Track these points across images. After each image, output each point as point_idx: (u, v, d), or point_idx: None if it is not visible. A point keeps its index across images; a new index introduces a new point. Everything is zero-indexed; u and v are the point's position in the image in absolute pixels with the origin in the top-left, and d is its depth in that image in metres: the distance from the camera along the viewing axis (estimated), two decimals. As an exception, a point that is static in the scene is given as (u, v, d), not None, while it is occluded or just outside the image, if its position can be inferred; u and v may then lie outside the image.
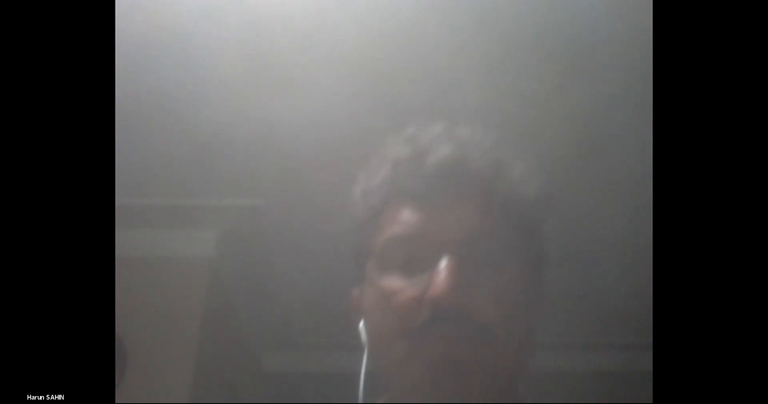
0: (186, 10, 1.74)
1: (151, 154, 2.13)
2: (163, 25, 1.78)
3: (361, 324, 0.70)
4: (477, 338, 0.62)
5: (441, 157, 0.68)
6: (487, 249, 0.65)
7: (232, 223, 2.38)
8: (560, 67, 1.90)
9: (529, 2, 1.76)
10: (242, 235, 2.43)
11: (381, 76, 1.94)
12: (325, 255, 2.45)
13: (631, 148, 2.08)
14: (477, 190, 0.68)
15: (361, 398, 0.70)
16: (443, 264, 0.62)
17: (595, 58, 1.86)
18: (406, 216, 0.68)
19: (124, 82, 1.49)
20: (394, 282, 0.65)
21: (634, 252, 2.37)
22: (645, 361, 1.51)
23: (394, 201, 0.69)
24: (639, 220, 2.21)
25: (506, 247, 0.66)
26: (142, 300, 2.19)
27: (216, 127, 2.05)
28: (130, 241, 2.19)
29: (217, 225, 2.38)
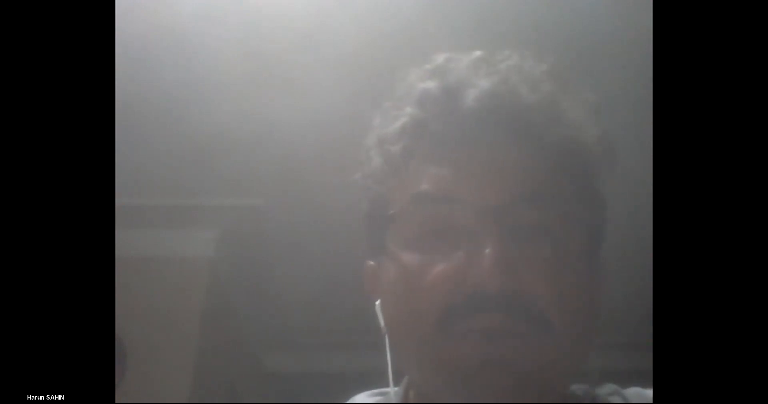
0: (186, 10, 1.74)
1: (151, 154, 2.13)
2: (163, 25, 1.78)
3: (378, 303, 0.57)
4: (531, 331, 0.49)
5: (482, 91, 0.53)
6: (541, 214, 0.51)
7: (232, 223, 2.38)
8: (560, 67, 1.89)
9: (529, 2, 1.76)
10: (242, 235, 2.43)
11: (381, 76, 1.93)
12: (325, 255, 2.46)
13: (630, 147, 2.08)
14: (527, 134, 0.53)
15: (391, 384, 0.59)
16: (489, 232, 0.48)
17: (595, 58, 1.86)
18: (437, 170, 0.53)
19: (125, 82, 1.49)
20: (420, 256, 0.51)
21: (634, 252, 2.37)
22: (645, 361, 1.51)
23: (421, 150, 0.55)
24: (639, 220, 2.21)
25: (565, 211, 0.52)
26: (142, 300, 2.19)
27: (216, 127, 2.04)
28: (130, 241, 2.18)
29: (217, 225, 2.38)
